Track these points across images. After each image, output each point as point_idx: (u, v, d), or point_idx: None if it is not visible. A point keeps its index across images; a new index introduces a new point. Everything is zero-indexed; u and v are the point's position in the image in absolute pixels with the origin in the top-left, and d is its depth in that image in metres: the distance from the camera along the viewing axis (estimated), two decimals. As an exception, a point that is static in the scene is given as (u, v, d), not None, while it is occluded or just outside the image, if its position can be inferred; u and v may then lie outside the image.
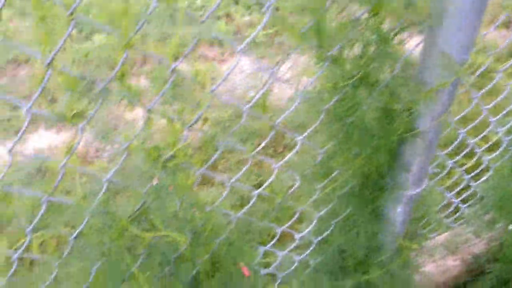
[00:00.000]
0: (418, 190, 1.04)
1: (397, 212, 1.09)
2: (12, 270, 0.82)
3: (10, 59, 2.67)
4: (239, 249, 0.99)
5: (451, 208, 1.48)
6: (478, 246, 1.47)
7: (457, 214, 1.49)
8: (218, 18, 2.85)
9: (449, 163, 1.24)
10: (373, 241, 1.16)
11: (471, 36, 0.76)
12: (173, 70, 0.65)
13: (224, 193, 0.89)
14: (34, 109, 0.62)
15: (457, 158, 1.25)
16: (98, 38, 2.63)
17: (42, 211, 0.74)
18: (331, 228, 1.14)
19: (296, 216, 1.07)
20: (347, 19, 0.74)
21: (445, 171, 1.27)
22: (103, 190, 0.75)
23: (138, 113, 2.11)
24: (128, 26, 0.59)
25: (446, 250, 1.46)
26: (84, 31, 2.80)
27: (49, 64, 0.57)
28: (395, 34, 0.79)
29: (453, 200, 1.43)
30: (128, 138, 0.71)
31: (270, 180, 0.94)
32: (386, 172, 1.01)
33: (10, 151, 0.65)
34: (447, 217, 1.50)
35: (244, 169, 0.86)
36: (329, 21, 0.73)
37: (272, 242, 1.09)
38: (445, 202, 1.45)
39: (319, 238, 1.17)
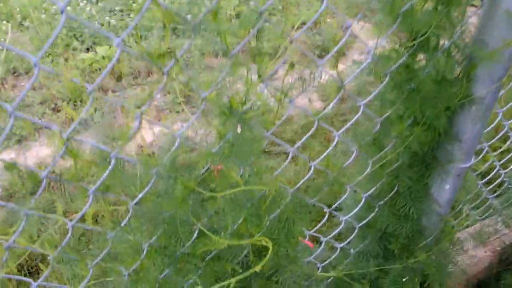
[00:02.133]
0: (468, 164, 1.03)
1: (445, 190, 1.08)
2: (67, 238, 0.76)
3: (10, 69, 2.61)
4: (293, 224, 0.95)
5: (480, 200, 1.48)
6: (508, 237, 1.47)
7: (485, 205, 1.49)
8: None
9: (485, 145, 1.25)
10: (418, 223, 1.14)
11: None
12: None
13: (287, 160, 0.86)
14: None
15: (493, 141, 1.26)
16: (102, 49, 2.60)
17: (110, 167, 0.70)
18: (375, 211, 1.11)
19: (346, 194, 1.04)
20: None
21: (481, 155, 1.27)
22: (176, 145, 0.72)
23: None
24: None
25: (476, 241, 1.45)
26: (85, 44, 2.77)
27: None
28: None
29: (482, 190, 1.43)
30: (208, 86, 0.69)
31: (329, 149, 0.91)
32: (438, 145, 1.01)
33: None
34: (476, 208, 1.50)
35: (309, 133, 0.84)
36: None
37: (321, 223, 1.06)
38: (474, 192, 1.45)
39: (363, 223, 1.14)
